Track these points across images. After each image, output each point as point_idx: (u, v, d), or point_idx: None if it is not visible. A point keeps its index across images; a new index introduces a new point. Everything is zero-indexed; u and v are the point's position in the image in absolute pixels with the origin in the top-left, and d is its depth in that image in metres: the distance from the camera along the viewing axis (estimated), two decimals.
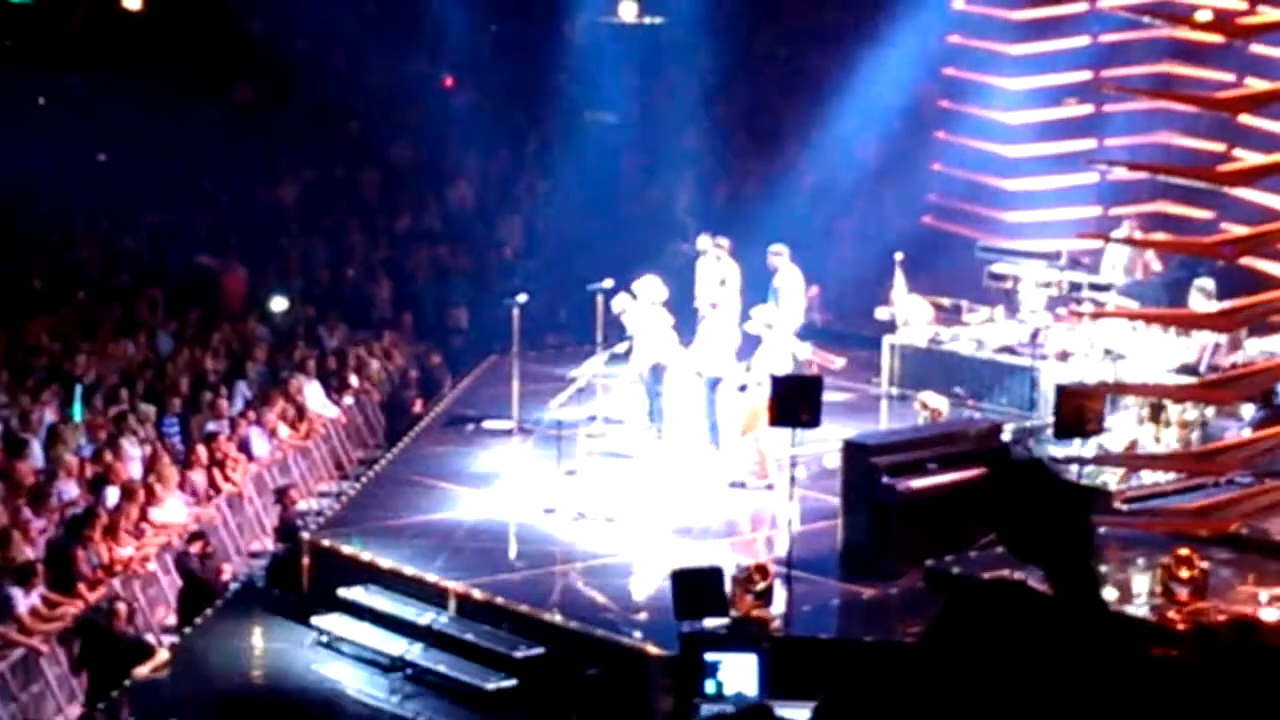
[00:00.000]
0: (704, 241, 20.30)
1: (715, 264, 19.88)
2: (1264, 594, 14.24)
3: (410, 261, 27.97)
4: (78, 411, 20.29)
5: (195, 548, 17.46)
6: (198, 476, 19.41)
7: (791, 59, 29.75)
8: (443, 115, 29.56)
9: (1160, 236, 20.85)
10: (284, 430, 21.33)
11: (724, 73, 29.06)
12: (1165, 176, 18.94)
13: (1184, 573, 14.05)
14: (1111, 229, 21.23)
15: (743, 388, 17.65)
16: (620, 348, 19.01)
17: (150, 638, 17.19)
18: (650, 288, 18.95)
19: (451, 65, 31.00)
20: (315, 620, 15.68)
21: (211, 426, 20.60)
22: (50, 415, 19.85)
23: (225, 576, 17.63)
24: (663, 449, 18.56)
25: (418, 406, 23.10)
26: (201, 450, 19.78)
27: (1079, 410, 16.01)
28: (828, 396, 15.86)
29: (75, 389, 20.63)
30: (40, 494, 17.65)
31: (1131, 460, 16.82)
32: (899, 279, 20.88)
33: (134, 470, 18.96)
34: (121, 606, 15.75)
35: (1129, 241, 19.98)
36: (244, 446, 20.50)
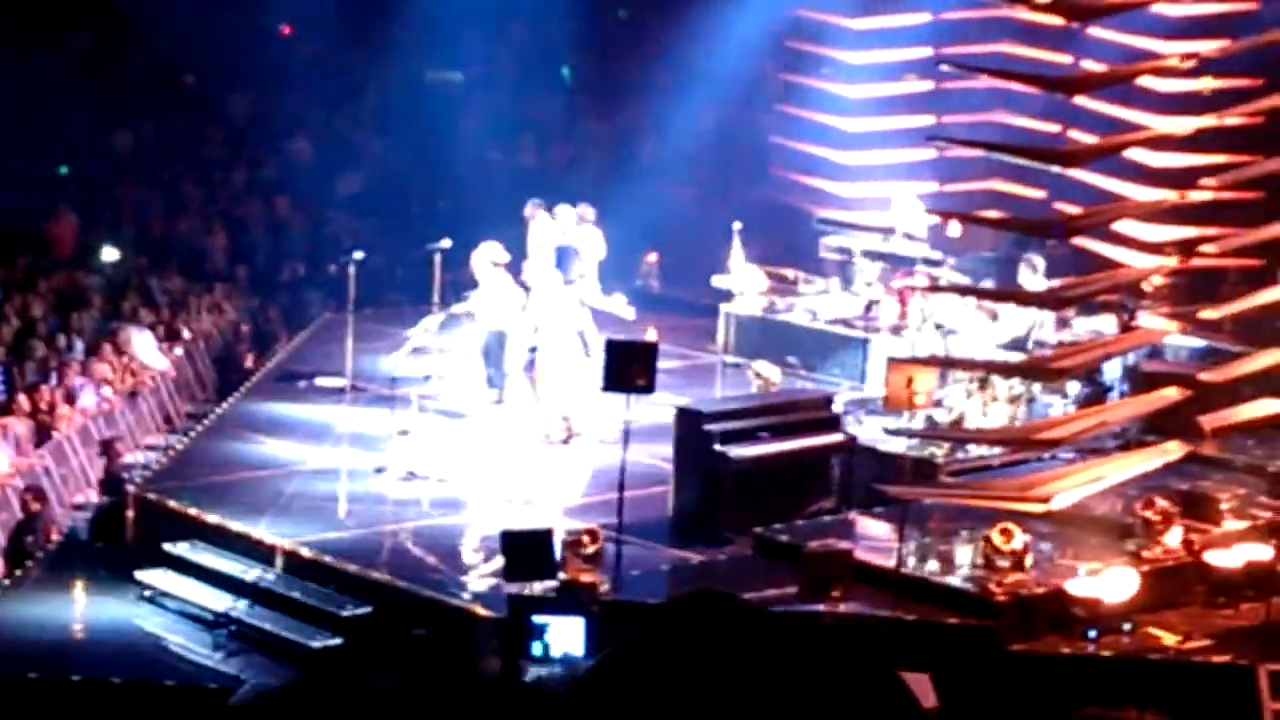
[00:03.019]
0: (530, 209, 20.21)
1: (545, 231, 19.87)
2: (1082, 568, 14.53)
3: (246, 214, 27.65)
4: None
5: (29, 501, 17.15)
6: (21, 426, 19.07)
7: (635, 23, 29.76)
8: (282, 68, 29.22)
9: (994, 214, 21.14)
10: (111, 382, 21.01)
11: (569, 36, 29.00)
12: (1000, 155, 19.19)
13: (1005, 546, 14.31)
14: (947, 205, 21.49)
15: (533, 349, 17.89)
16: (458, 308, 18.95)
17: None
18: (490, 252, 18.87)
19: (290, 16, 30.63)
20: (139, 575, 15.50)
21: (37, 376, 20.24)
22: None
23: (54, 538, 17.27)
24: (496, 410, 18.54)
25: (250, 361, 22.87)
26: (26, 399, 19.43)
27: (909, 383, 16.21)
28: (662, 363, 15.93)
29: None
30: None
31: (958, 434, 17.08)
32: (736, 248, 20.99)
33: None
34: None
35: (965, 218, 20.23)
36: (70, 397, 20.17)
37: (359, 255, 19.84)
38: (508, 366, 18.72)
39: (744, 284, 20.92)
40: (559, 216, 19.97)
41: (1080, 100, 18.97)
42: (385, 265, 25.04)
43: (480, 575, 14.81)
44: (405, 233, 24.71)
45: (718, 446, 15.55)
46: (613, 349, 15.43)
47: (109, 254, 25.06)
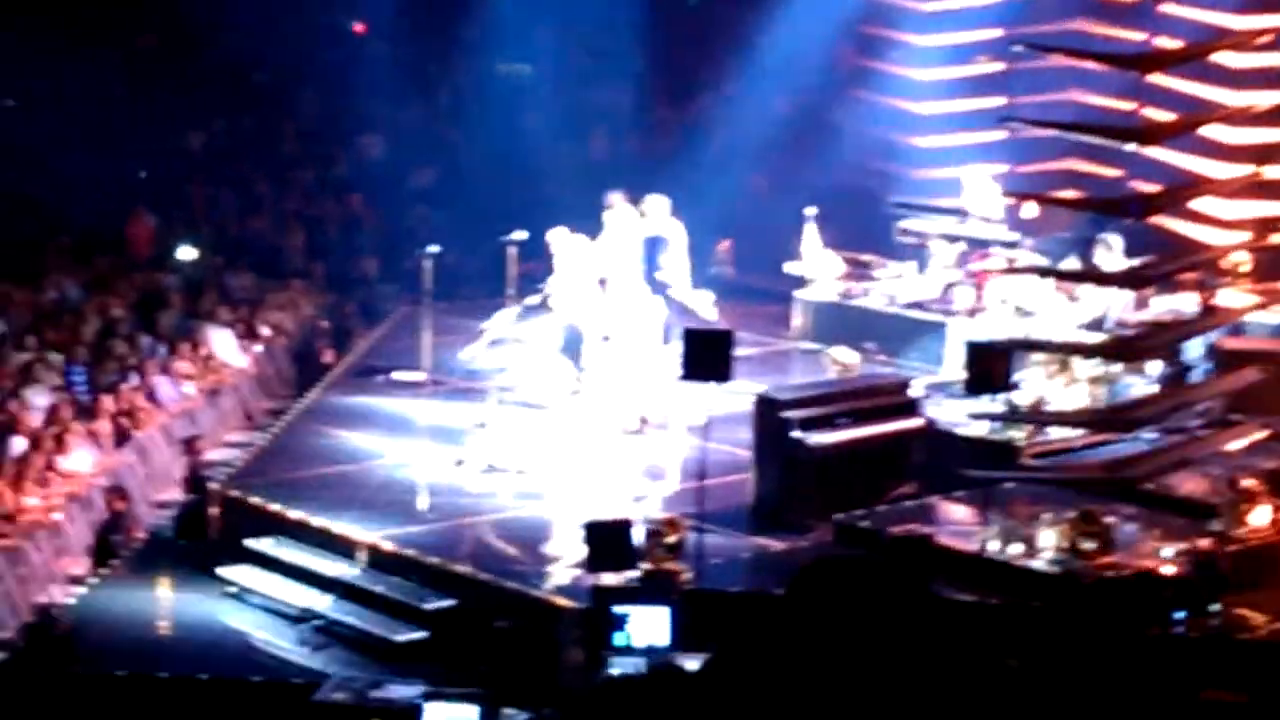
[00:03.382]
0: (611, 199, 20.09)
1: (627, 221, 19.75)
2: (1168, 549, 14.40)
3: (320, 211, 27.77)
4: None
5: (113, 500, 17.30)
6: (105, 426, 19.23)
7: (705, 11, 29.68)
8: (353, 65, 29.32)
9: (1070, 194, 20.99)
10: (192, 380, 21.16)
11: (638, 25, 28.96)
12: (1075, 135, 19.04)
13: (1090, 528, 14.21)
14: (1022, 186, 21.32)
15: (610, 339, 17.90)
16: (532, 300, 18.97)
17: (56, 588, 17.07)
18: (563, 241, 18.87)
19: (361, 14, 30.74)
20: (222, 571, 15.59)
21: (118, 376, 20.41)
22: None
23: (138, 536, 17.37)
24: (574, 401, 18.55)
25: (328, 357, 22.98)
26: (108, 399, 19.59)
27: (988, 366, 16.12)
28: (738, 351, 15.89)
29: None
30: None
31: (1039, 416, 16.96)
32: (810, 234, 20.93)
33: (39, 419, 18.75)
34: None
35: (1041, 199, 20.09)
36: (152, 396, 20.33)
37: (433, 249, 19.92)
38: (584, 357, 18.72)
39: (819, 270, 20.86)
40: (648, 207, 19.79)
41: (1155, 78, 18.79)
42: (459, 258, 25.11)
43: (562, 566, 14.82)
44: (478, 226, 24.76)
45: (796, 433, 15.51)
46: (690, 338, 15.40)
47: (186, 253, 25.23)
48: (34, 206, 26.49)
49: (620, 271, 18.63)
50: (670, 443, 17.49)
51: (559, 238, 18.79)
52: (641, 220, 19.47)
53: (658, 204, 19.68)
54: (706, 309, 19.20)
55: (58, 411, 18.92)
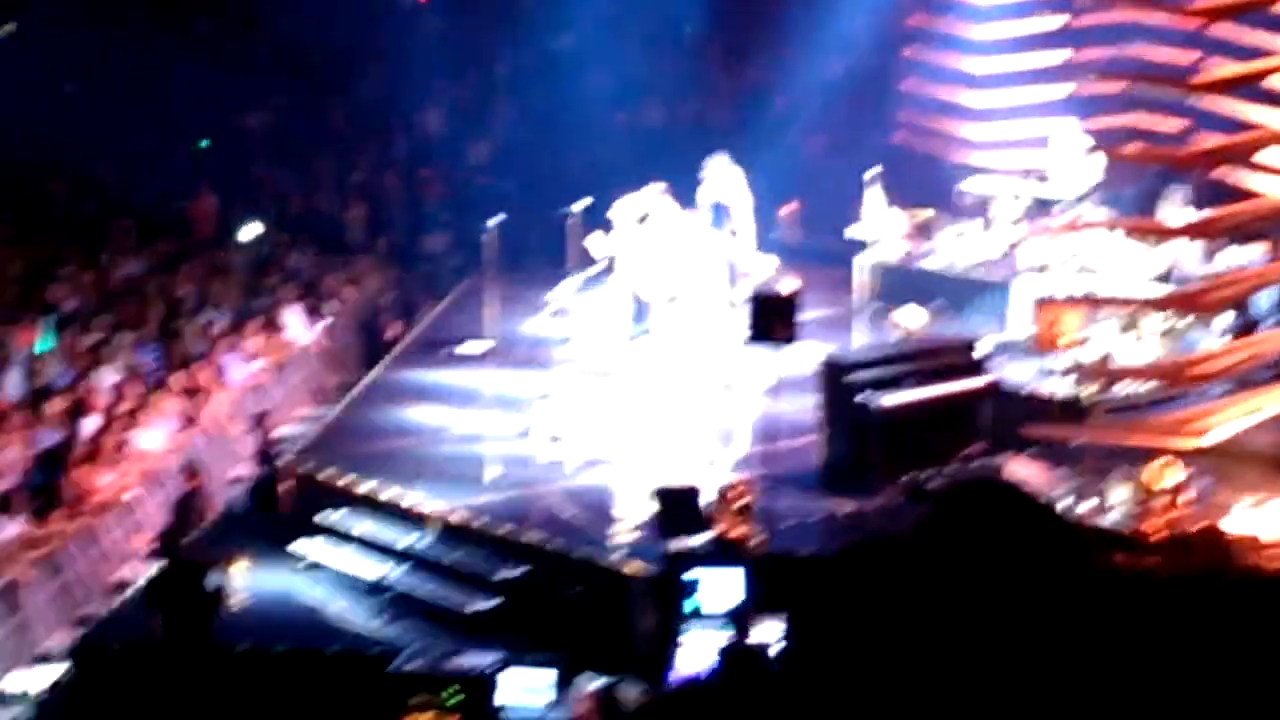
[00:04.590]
0: (709, 163, 19.94)
1: (712, 187, 19.66)
2: (1239, 504, 14.31)
3: (382, 187, 27.85)
4: (51, 340, 20.24)
5: (185, 478, 17.42)
6: (175, 404, 19.36)
7: None
8: (410, 41, 29.38)
9: (1135, 148, 20.83)
10: (260, 357, 21.28)
11: None
12: (1139, 87, 18.89)
13: (1160, 484, 14.13)
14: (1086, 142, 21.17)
15: (677, 303, 17.89)
16: (594, 270, 18.98)
17: (130, 565, 17.23)
18: (629, 208, 18.87)
19: None
20: (295, 546, 15.69)
21: (187, 355, 20.54)
22: (26, 346, 19.78)
23: (211, 513, 17.43)
24: (639, 367, 18.55)
25: (393, 331, 23.06)
26: (180, 377, 19.73)
27: (1055, 324, 16.03)
28: (804, 314, 15.84)
29: (48, 318, 20.58)
30: (18, 424, 17.60)
31: (1108, 372, 16.87)
32: (872, 196, 20.86)
33: (110, 399, 18.90)
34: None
35: (1108, 153, 19.95)
36: (221, 374, 20.46)
37: (495, 222, 19.96)
38: (648, 322, 18.74)
39: (882, 232, 20.79)
40: (712, 171, 19.74)
41: (1219, 29, 18.60)
42: (521, 230, 25.13)
43: (632, 533, 14.84)
44: (539, 198, 24.77)
45: (863, 396, 15.48)
46: (756, 301, 15.37)
47: (249, 231, 25.35)
48: (98, 188, 26.69)
49: (688, 237, 18.62)
50: (738, 406, 17.48)
51: (624, 205, 18.80)
52: (708, 185, 19.45)
53: (722, 167, 19.65)
54: (768, 267, 19.18)
55: (128, 391, 19.08)
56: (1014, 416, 15.92)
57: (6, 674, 14.82)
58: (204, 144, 28.27)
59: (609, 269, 18.91)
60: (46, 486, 16.68)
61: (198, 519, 17.14)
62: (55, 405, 18.34)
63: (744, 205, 19.75)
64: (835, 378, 15.70)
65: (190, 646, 13.56)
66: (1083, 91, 22.05)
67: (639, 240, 18.75)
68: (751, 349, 15.87)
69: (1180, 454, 14.61)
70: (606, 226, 19.11)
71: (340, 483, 16.13)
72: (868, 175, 20.82)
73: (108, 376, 19.37)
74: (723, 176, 19.58)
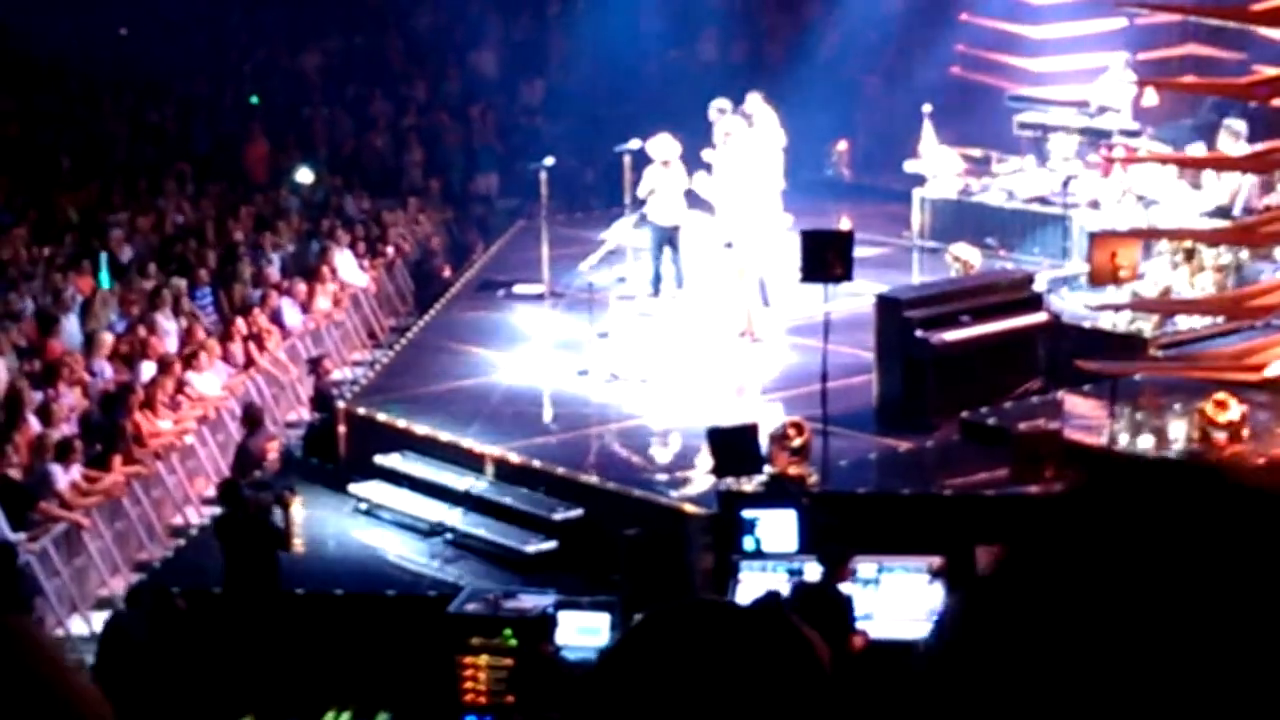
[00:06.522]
0: (749, 100, 19.66)
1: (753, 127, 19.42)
2: None
3: (435, 128, 27.84)
4: (105, 281, 20.37)
5: (244, 420, 17.51)
6: (232, 349, 19.45)
7: None
8: None
9: (1191, 79, 20.62)
10: (316, 300, 21.34)
11: None
12: (1194, 18, 18.67)
13: (1221, 417, 14.02)
14: (1142, 74, 20.96)
15: (728, 245, 17.73)
16: (643, 212, 18.89)
17: (190, 510, 17.35)
18: (663, 146, 18.69)
19: None
20: (353, 488, 15.76)
21: (243, 299, 20.62)
22: (82, 291, 19.89)
23: (272, 454, 17.49)
24: (692, 308, 18.48)
25: (447, 273, 23.08)
26: (234, 322, 19.81)
27: (1112, 257, 15.91)
28: (858, 251, 15.78)
29: (101, 258, 20.69)
30: (75, 369, 17.71)
31: (1167, 305, 16.73)
32: (927, 131, 20.72)
33: (168, 344, 19.00)
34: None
35: (1162, 85, 19.74)
36: (276, 318, 20.53)
37: (549, 161, 19.90)
38: (685, 261, 18.60)
39: (937, 167, 20.65)
40: (749, 107, 19.50)
41: None
42: (575, 170, 25.10)
43: (687, 473, 14.84)
44: (593, 137, 24.73)
45: (919, 333, 15.40)
46: (809, 239, 15.30)
47: (303, 175, 25.40)
48: (153, 134, 26.77)
49: (743, 176, 18.44)
50: (790, 346, 17.42)
51: (656, 147, 18.65)
52: (751, 122, 19.23)
53: (757, 105, 19.42)
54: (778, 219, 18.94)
55: (186, 336, 19.17)
56: (1071, 351, 15.82)
57: (69, 617, 14.97)
58: (254, 100, 28.31)
59: (648, 207, 18.70)
60: (105, 431, 16.78)
61: (256, 462, 17.22)
62: (113, 350, 18.44)
63: (776, 145, 19.54)
64: (891, 315, 15.61)
65: (254, 589, 13.65)
66: (1140, 22, 21.81)
67: (671, 175, 18.49)
68: (806, 287, 15.81)
69: (1241, 388, 14.49)
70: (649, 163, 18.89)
71: (397, 425, 16.17)
72: (923, 109, 20.67)
73: (165, 321, 19.46)
74: (759, 115, 19.41)
